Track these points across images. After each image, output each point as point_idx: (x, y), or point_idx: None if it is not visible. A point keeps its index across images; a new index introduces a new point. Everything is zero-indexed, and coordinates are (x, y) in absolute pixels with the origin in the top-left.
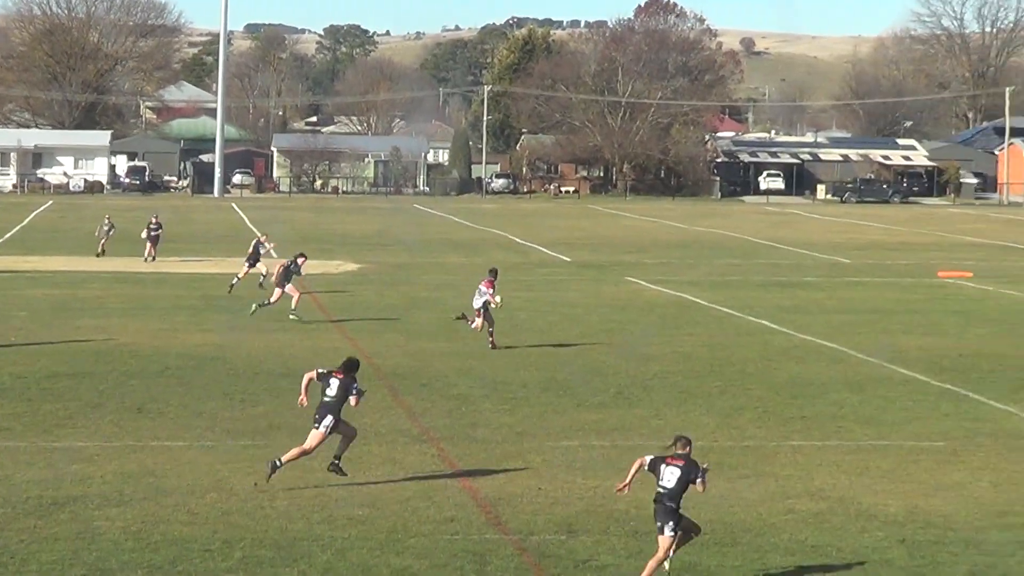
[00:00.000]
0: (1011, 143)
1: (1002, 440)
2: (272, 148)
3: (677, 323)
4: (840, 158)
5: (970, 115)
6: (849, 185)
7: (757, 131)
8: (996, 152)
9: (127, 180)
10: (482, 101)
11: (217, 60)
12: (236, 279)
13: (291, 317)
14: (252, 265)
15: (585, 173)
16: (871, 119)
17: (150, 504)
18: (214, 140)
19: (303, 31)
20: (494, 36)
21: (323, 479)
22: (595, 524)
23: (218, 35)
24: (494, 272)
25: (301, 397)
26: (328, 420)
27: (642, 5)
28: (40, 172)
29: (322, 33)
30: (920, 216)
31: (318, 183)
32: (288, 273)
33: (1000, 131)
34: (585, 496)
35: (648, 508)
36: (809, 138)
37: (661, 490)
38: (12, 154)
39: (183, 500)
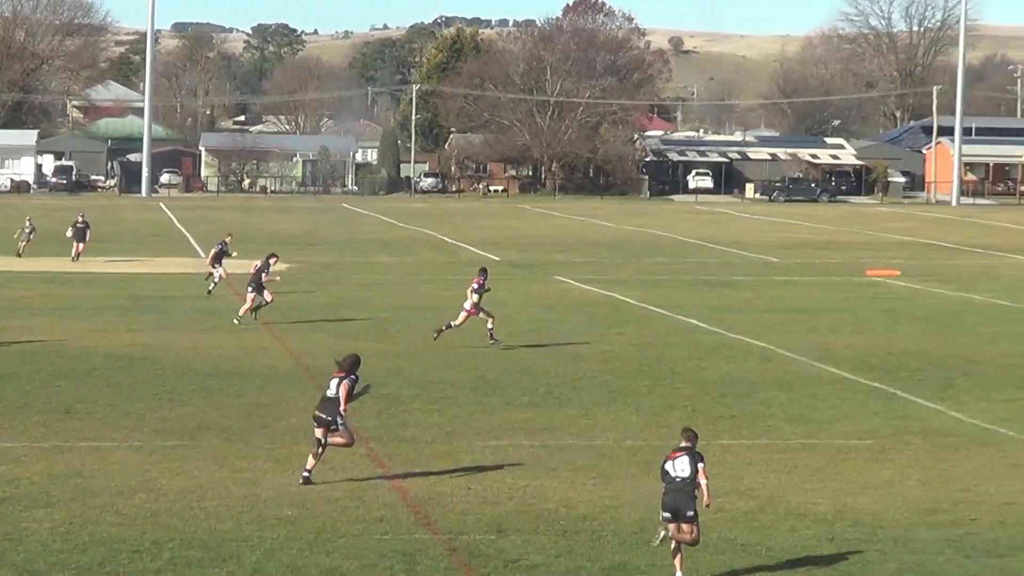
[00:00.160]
0: (938, 142)
1: (930, 438)
2: (200, 147)
3: (606, 322)
4: (768, 157)
5: (898, 114)
6: (777, 184)
7: (686, 130)
8: (924, 151)
9: (54, 180)
10: (410, 100)
11: (144, 59)
12: (212, 284)
13: (234, 321)
14: (220, 265)
15: (514, 172)
16: (799, 118)
17: (78, 505)
18: (141, 139)
19: (231, 30)
20: (422, 35)
21: (252, 478)
22: (525, 523)
23: (145, 34)
24: (484, 271)
25: (317, 413)
26: (339, 419)
27: (570, 4)
28: None
29: (250, 32)
30: (848, 215)
31: (246, 182)
32: (260, 276)
33: (927, 130)
34: (515, 495)
35: (579, 507)
36: (738, 137)
37: (678, 479)
38: None
39: (111, 501)
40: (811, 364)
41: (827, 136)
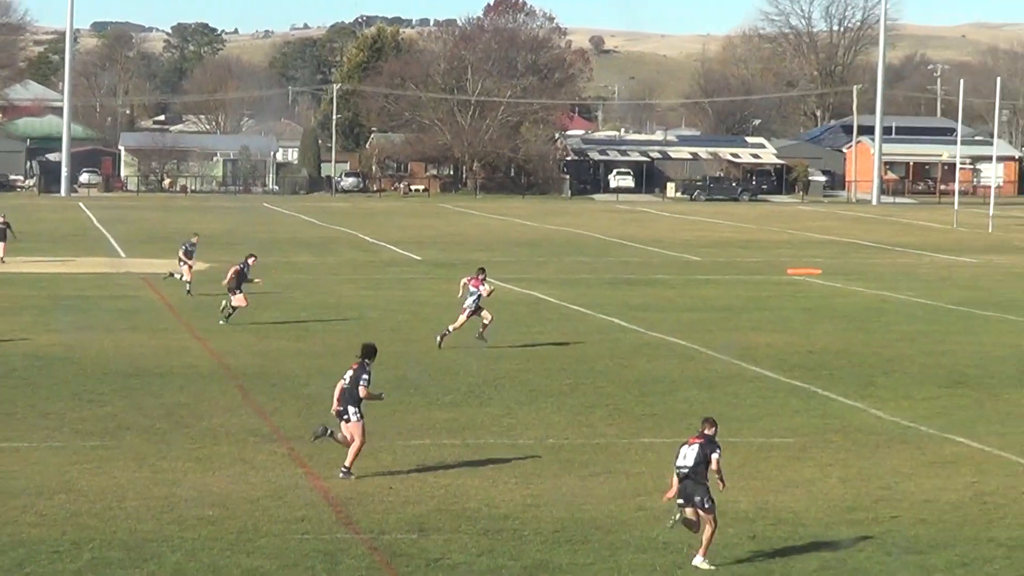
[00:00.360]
0: (859, 141)
1: (851, 436)
2: (120, 147)
3: (528, 321)
4: (689, 156)
5: (818, 113)
6: (698, 183)
7: (607, 129)
8: (844, 150)
9: None
10: (331, 100)
11: (63, 58)
12: (188, 285)
13: (220, 322)
14: (184, 264)
15: (435, 171)
16: (720, 117)
17: None
18: (60, 139)
19: (150, 29)
20: (343, 34)
21: (173, 479)
22: (447, 523)
23: (64, 33)
24: (482, 270)
25: (335, 407)
26: (352, 409)
27: (491, 4)
28: None
29: (169, 31)
30: (769, 214)
31: (166, 182)
32: (241, 277)
33: (848, 129)
34: (436, 495)
35: (500, 506)
36: (659, 136)
37: (683, 468)
38: None
39: (31, 502)
40: (732, 362)
41: (748, 135)
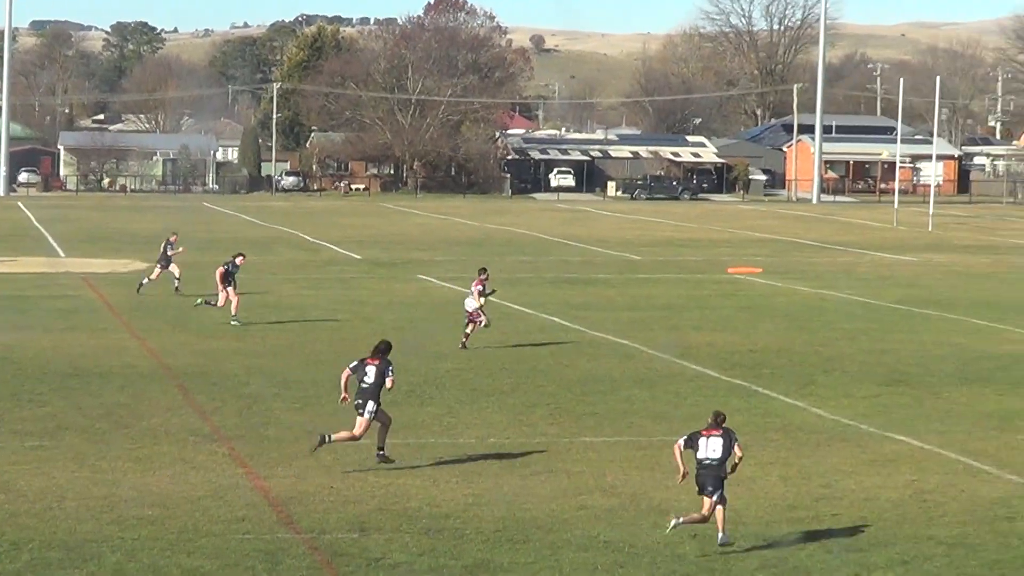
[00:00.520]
0: (799, 140)
1: (791, 435)
2: (59, 146)
3: None
4: (630, 155)
5: (758, 112)
6: (639, 182)
7: (547, 128)
8: (784, 149)
9: None
10: (271, 99)
11: (1, 57)
12: (146, 279)
13: (232, 323)
14: (165, 267)
15: (376, 171)
16: (661, 116)
17: None
18: None
19: (89, 28)
20: (283, 33)
21: (113, 479)
22: (388, 522)
23: (2, 32)
24: (484, 271)
25: (343, 395)
26: (371, 406)
27: (432, 2)
28: None
29: (109, 30)
30: (709, 213)
31: (106, 181)
32: (229, 275)
33: (788, 128)
34: (377, 494)
35: (442, 506)
36: (599, 135)
37: (709, 460)
38: None
39: None
40: (673, 361)
41: (688, 134)
